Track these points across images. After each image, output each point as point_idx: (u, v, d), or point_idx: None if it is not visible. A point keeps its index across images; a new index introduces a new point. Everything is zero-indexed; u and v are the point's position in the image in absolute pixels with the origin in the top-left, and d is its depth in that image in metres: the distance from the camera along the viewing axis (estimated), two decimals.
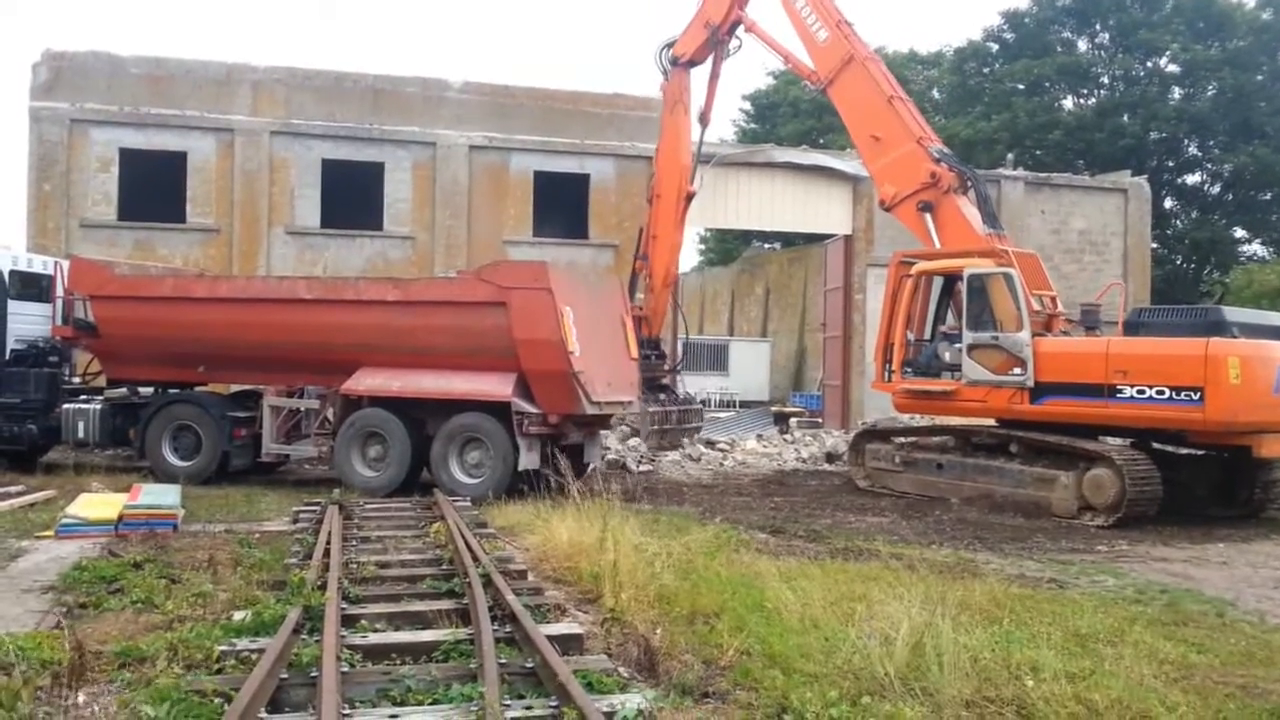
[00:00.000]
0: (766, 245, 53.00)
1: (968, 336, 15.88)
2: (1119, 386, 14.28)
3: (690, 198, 21.40)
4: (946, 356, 16.35)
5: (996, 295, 15.65)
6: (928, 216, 17.10)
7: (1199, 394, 13.58)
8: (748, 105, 58.12)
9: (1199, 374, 13.59)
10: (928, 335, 17.09)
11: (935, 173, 16.98)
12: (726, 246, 56.97)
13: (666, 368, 21.80)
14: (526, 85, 26.10)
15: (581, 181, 26.06)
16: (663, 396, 21.56)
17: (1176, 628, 7.97)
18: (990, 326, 15.67)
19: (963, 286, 16.05)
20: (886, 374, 17.14)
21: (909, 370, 16.82)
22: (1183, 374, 13.75)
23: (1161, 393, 13.92)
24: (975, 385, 15.75)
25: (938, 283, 17.07)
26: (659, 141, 21.65)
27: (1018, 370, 15.31)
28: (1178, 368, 13.83)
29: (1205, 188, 46.55)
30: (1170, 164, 45.12)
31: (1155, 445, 15.47)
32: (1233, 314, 14.98)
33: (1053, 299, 16.32)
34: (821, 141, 46.39)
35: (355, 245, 24.81)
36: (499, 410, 14.56)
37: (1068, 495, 14.49)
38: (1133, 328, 15.38)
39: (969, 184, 17.20)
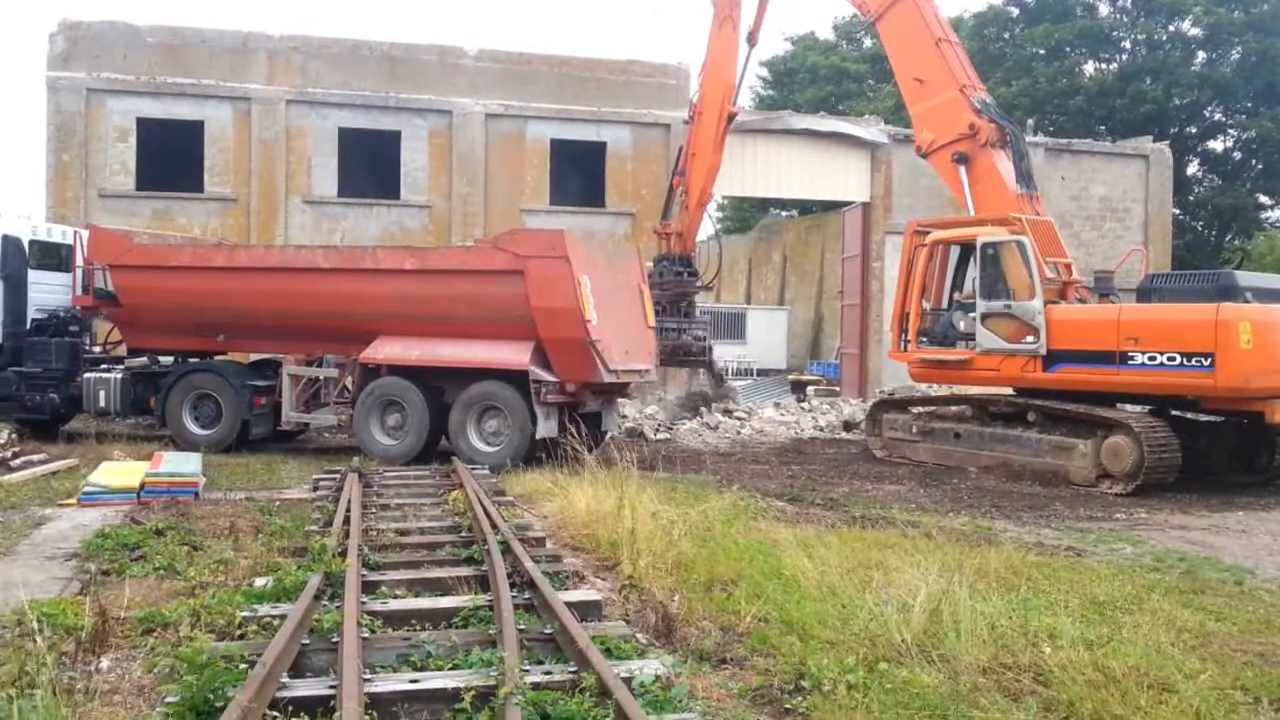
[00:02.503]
0: (784, 213, 52.78)
1: (981, 305, 15.82)
2: (1130, 353, 14.21)
3: (732, 118, 20.60)
4: (961, 325, 16.31)
5: (1009, 263, 15.55)
6: (962, 169, 16.92)
7: (1210, 360, 13.48)
8: (765, 71, 57.73)
9: (1210, 339, 13.49)
10: (945, 304, 17.01)
11: (975, 124, 16.76)
12: (744, 214, 56.76)
13: (698, 285, 20.99)
14: (542, 52, 25.99)
15: (598, 149, 25.97)
16: (685, 319, 20.52)
17: (1195, 595, 7.96)
18: (1003, 295, 15.59)
19: (976, 255, 15.96)
20: (902, 344, 17.10)
21: (924, 340, 16.77)
22: (1194, 340, 13.66)
23: (1173, 359, 13.84)
24: (989, 354, 15.70)
25: (954, 251, 16.97)
26: (704, 57, 20.78)
27: (1030, 339, 15.25)
28: (1189, 333, 13.73)
29: (1228, 154, 46.08)
30: (1192, 130, 44.66)
31: (1174, 412, 15.41)
32: (1245, 279, 14.84)
33: (1067, 266, 16.19)
34: (840, 108, 46.09)
35: (372, 214, 24.81)
36: (517, 379, 14.60)
37: (1086, 463, 14.46)
38: (1146, 294, 15.29)
39: (1008, 139, 16.97)
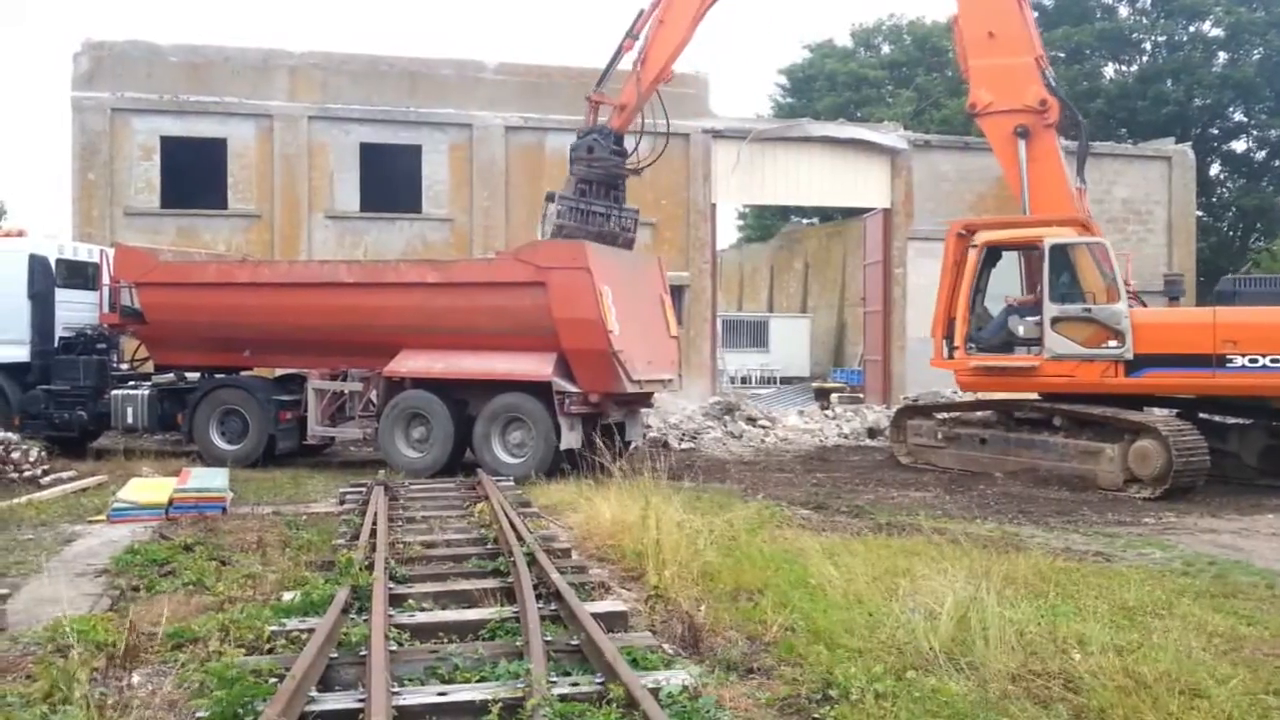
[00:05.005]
0: (805, 220, 52.73)
1: (1052, 309, 15.16)
2: (1229, 356, 14.06)
3: None
4: (1020, 330, 15.61)
5: (1084, 266, 15.21)
6: (1022, 143, 16.31)
7: None
8: (784, 79, 57.69)
9: None
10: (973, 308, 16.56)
11: (1047, 100, 16.17)
12: (765, 223, 56.72)
13: (630, 165, 18.22)
14: (560, 64, 26.06)
15: None
16: (615, 205, 17.50)
17: (1225, 600, 7.89)
18: (1078, 298, 15.17)
19: (1044, 257, 15.25)
20: (948, 350, 16.18)
21: (972, 346, 15.94)
22: None
23: (1277, 361, 13.81)
24: (1060, 359, 15.11)
25: (975, 252, 16.17)
26: None
27: (1113, 343, 14.80)
28: None
29: (1251, 154, 45.74)
30: (1215, 131, 44.32)
31: (1202, 415, 15.29)
32: None
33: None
34: (859, 115, 46.02)
35: (394, 228, 24.93)
36: (540, 390, 14.63)
37: (1113, 468, 14.34)
38: (1227, 297, 15.19)
39: (1075, 125, 16.54)
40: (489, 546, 9.08)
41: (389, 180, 25.04)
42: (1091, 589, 7.82)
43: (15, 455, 13.75)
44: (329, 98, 24.48)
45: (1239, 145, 45.82)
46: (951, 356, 16.13)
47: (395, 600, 7.14)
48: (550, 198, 17.21)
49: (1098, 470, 14.54)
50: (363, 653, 5.81)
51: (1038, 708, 5.31)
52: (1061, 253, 15.29)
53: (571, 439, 14.62)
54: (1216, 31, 43.22)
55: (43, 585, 8.10)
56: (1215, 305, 15.08)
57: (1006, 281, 16.47)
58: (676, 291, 22.82)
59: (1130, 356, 14.73)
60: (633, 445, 16.15)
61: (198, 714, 5.12)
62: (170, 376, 17.19)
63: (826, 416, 24.47)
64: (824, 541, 9.34)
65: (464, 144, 25.08)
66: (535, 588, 7.12)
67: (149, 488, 11.92)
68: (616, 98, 17.76)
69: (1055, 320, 15.20)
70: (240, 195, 24.21)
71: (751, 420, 22.76)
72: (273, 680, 5.38)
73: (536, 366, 14.59)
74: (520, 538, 8.76)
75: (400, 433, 15.31)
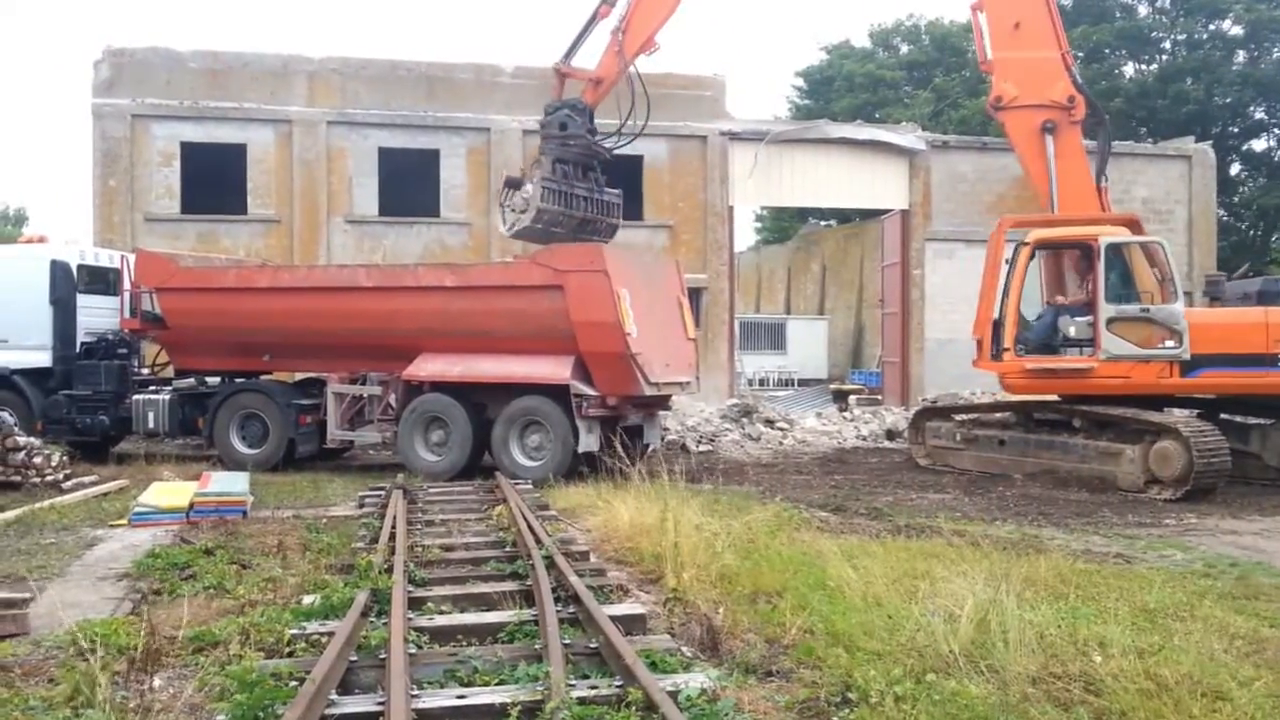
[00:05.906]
0: (822, 222, 52.63)
1: (1108, 309, 14.87)
2: None
3: None
4: (1071, 331, 15.33)
5: (1138, 265, 15.11)
6: (1050, 139, 16.13)
7: None
8: (801, 81, 57.60)
9: None
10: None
11: (1075, 97, 16.02)
12: (782, 224, 56.64)
13: (608, 144, 16.87)
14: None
15: (635, 163, 25.98)
16: (595, 187, 16.69)
17: (1247, 601, 7.84)
18: (1133, 298, 15.02)
19: (1099, 256, 14.92)
20: (995, 352, 15.69)
21: (1022, 348, 15.54)
22: None
23: None
24: (1116, 360, 14.87)
25: (1026, 251, 15.73)
26: None
27: (1170, 343, 14.67)
28: None
29: (1271, 153, 45.43)
30: (1235, 129, 44.06)
31: (1223, 416, 15.20)
32: None
33: None
34: (876, 116, 45.90)
35: (413, 232, 25.01)
36: (558, 393, 14.64)
37: (1134, 469, 14.26)
38: (1271, 297, 15.20)
39: (1095, 124, 16.43)
40: (507, 549, 9.10)
41: (407, 184, 25.14)
42: (1112, 591, 7.77)
43: (37, 460, 13.81)
44: (347, 103, 24.59)
45: (1259, 144, 45.61)
46: (998, 358, 15.72)
47: (414, 603, 7.17)
48: (511, 184, 16.50)
49: (1118, 471, 14.47)
50: (382, 656, 5.82)
51: (1058, 710, 5.28)
52: (1116, 252, 15.10)
53: (589, 442, 14.62)
54: (1236, 30, 43.00)
55: (65, 589, 8.15)
56: (1260, 305, 15.11)
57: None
58: (694, 294, 22.88)
59: (1187, 357, 14.61)
60: (650, 448, 16.15)
61: (218, 717, 5.15)
62: (191, 381, 17.28)
63: (844, 418, 24.43)
64: (843, 544, 9.31)
65: (482, 147, 25.15)
66: (554, 591, 7.13)
67: (170, 492, 11.97)
68: (590, 70, 16.71)
69: (1110, 320, 14.93)
70: (259, 200, 24.33)
71: (769, 422, 22.72)
72: (293, 683, 5.41)
73: (554, 369, 14.61)
74: (539, 541, 8.77)
75: (419, 436, 15.35)
